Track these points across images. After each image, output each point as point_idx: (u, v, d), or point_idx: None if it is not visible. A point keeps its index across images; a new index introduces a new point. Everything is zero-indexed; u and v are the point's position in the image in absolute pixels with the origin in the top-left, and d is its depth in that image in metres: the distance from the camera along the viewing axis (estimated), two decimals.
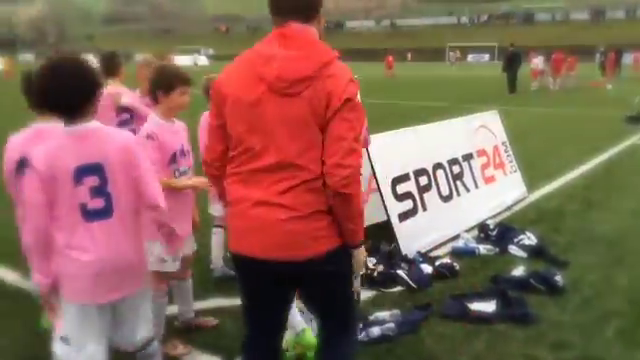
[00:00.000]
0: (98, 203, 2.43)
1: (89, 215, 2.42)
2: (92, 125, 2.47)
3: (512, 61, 23.52)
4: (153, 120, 3.37)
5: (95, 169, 2.42)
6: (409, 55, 68.79)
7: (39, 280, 2.47)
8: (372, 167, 5.03)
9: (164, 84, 3.35)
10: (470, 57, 74.03)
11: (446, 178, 5.86)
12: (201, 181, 3.39)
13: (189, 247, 3.59)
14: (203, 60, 72.25)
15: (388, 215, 5.05)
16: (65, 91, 2.38)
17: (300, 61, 2.18)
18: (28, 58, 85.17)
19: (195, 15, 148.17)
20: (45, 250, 2.43)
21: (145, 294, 2.69)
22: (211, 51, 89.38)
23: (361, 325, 3.79)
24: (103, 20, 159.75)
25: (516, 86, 23.35)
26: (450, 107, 17.03)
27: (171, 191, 3.19)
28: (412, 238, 5.13)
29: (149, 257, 3.20)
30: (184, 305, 3.86)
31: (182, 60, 66.42)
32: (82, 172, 2.40)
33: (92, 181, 2.42)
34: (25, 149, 2.69)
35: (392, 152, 5.27)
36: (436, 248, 5.30)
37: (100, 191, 2.43)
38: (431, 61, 68.78)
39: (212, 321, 3.95)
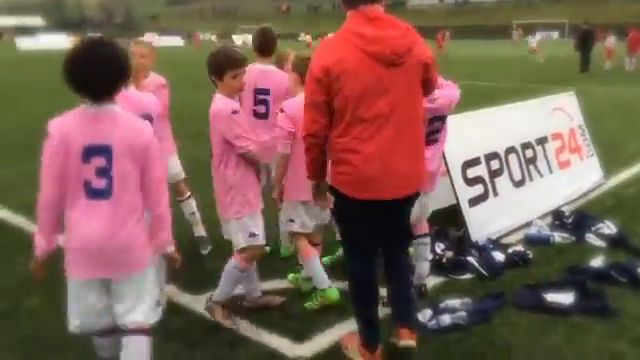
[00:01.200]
0: (101, 183, 2.53)
1: (91, 193, 2.54)
2: (110, 108, 2.56)
3: (586, 39, 22.37)
4: (222, 99, 3.48)
5: (103, 150, 2.51)
6: (447, 34, 66.48)
7: (37, 240, 2.66)
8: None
9: (215, 69, 3.47)
10: (538, 34, 70.98)
11: (518, 162, 5.62)
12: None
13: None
14: None
15: (458, 200, 4.90)
16: (92, 74, 2.50)
17: (402, 37, 2.84)
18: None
19: None
20: (51, 214, 2.59)
21: (142, 280, 2.70)
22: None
23: (431, 312, 3.71)
24: (167, 1, 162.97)
25: (589, 65, 22.23)
26: (519, 88, 16.40)
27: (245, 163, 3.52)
28: (482, 224, 4.96)
29: (239, 234, 3.53)
30: (250, 284, 3.89)
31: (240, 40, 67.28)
32: (91, 151, 2.50)
33: (99, 161, 2.51)
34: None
35: (462, 135, 5.08)
36: (507, 235, 5.12)
37: (104, 172, 2.52)
38: (496, 39, 66.44)
39: (278, 299, 3.96)
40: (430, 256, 4.17)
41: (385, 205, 2.99)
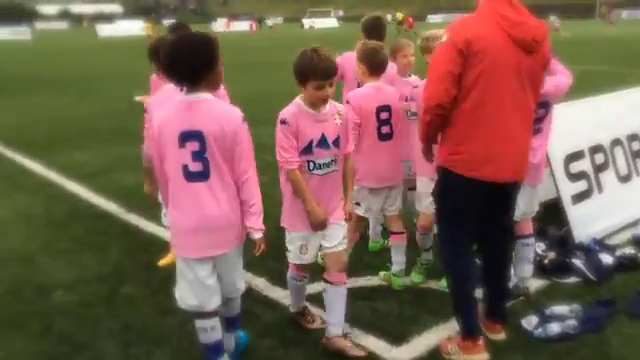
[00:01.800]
0: (198, 166, 2.71)
1: (190, 176, 2.72)
2: (202, 96, 2.73)
3: None
4: (294, 104, 3.14)
5: (196, 136, 2.68)
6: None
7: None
8: None
9: (297, 74, 3.06)
10: (625, 13, 66.85)
11: (624, 156, 5.20)
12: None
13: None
14: (331, 22, 72.09)
15: (560, 196, 4.59)
16: (184, 64, 2.68)
17: (540, 27, 2.98)
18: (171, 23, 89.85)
19: None
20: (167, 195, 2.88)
21: (239, 254, 2.95)
22: (341, 13, 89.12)
23: (537, 319, 3.48)
24: None
25: None
26: (610, 71, 15.42)
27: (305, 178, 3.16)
28: (586, 223, 4.62)
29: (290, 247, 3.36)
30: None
31: (317, 22, 66.97)
32: (185, 137, 2.69)
33: (193, 146, 2.69)
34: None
35: (565, 127, 4.73)
36: (613, 235, 4.75)
37: (200, 156, 2.70)
38: (579, 19, 62.98)
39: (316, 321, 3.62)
40: (532, 258, 3.92)
41: (494, 188, 3.03)
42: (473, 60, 2.87)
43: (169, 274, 4.19)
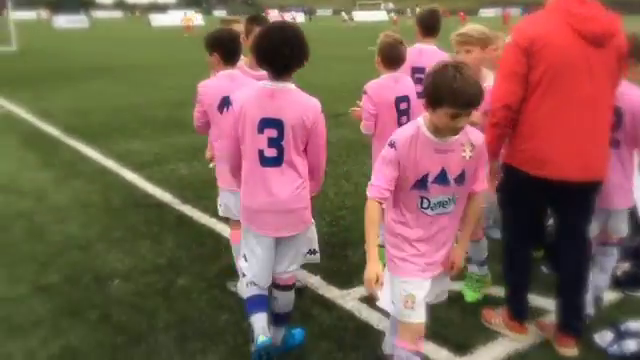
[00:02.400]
0: (272, 152, 2.80)
1: (264, 161, 2.82)
2: (286, 86, 2.80)
3: None
4: (413, 126, 2.57)
5: (275, 124, 2.76)
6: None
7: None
8: None
9: (430, 94, 2.42)
10: None
11: None
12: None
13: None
14: (381, 15, 71.19)
15: (636, 203, 4.30)
16: (279, 53, 2.73)
17: (612, 21, 2.92)
18: (221, 14, 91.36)
19: None
20: (238, 173, 2.99)
21: (305, 236, 3.04)
22: (391, 5, 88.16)
23: (612, 335, 3.26)
24: None
25: None
26: None
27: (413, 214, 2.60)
28: None
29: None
30: None
31: (363, 15, 66.20)
32: (265, 124, 2.77)
33: (271, 133, 2.77)
34: (227, 90, 3.36)
35: None
36: None
37: (276, 143, 2.78)
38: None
39: None
40: (611, 269, 3.68)
41: (563, 188, 2.98)
42: (536, 58, 2.87)
43: (225, 267, 4.19)
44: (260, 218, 2.91)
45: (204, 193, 5.78)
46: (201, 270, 4.26)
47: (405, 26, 32.83)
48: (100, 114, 10.67)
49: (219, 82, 3.60)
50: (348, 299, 3.80)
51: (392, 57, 3.88)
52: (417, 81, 4.53)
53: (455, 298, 3.79)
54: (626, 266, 4.00)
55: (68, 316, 3.67)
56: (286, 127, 2.76)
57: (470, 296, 3.82)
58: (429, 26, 4.62)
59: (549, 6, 3.00)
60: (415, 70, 4.53)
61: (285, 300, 3.14)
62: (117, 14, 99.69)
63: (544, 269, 4.05)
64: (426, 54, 4.51)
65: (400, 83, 3.95)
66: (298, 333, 3.34)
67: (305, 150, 2.87)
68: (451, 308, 3.65)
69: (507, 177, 3.17)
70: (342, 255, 4.48)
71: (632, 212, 4.29)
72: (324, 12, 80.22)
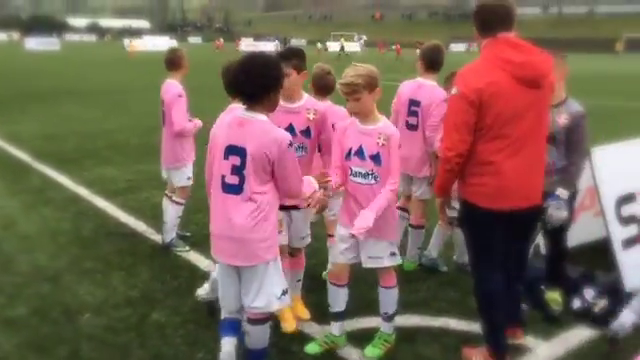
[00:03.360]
0: (234, 180, 2.86)
1: (225, 187, 2.89)
2: (254, 117, 2.88)
3: None
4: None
5: (239, 152, 2.84)
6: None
7: None
8: (595, 184, 4.38)
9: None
10: None
11: None
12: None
13: None
14: (354, 47, 72.11)
15: (611, 240, 4.36)
16: (238, 83, 2.87)
17: (545, 61, 3.12)
18: (196, 41, 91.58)
19: (352, 1, 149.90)
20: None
21: (266, 272, 2.96)
22: (364, 38, 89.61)
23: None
24: (265, 6, 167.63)
25: None
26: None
27: None
28: (637, 269, 4.39)
29: None
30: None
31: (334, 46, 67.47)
32: (230, 150, 2.86)
33: (235, 160, 2.85)
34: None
35: (619, 168, 4.55)
36: None
37: (238, 171, 2.85)
38: (598, 52, 62.39)
39: None
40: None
41: (515, 217, 3.17)
42: (485, 107, 3.03)
43: (200, 302, 4.07)
44: (218, 244, 2.99)
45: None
46: (176, 304, 4.14)
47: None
48: (72, 139, 10.45)
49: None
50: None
51: (321, 85, 4.27)
52: (412, 114, 4.68)
53: (437, 335, 3.77)
54: (603, 303, 4.02)
55: (35, 352, 3.51)
56: (248, 156, 2.83)
57: (370, 351, 3.51)
58: (432, 61, 4.64)
59: (486, 54, 3.12)
60: (412, 103, 4.66)
61: (255, 335, 3.09)
62: (91, 38, 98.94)
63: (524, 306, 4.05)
64: (424, 88, 4.61)
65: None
66: None
67: (273, 180, 2.93)
68: (432, 345, 3.62)
69: (466, 213, 3.31)
70: (322, 288, 4.40)
71: (608, 250, 4.37)
72: (299, 42, 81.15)
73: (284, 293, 3.04)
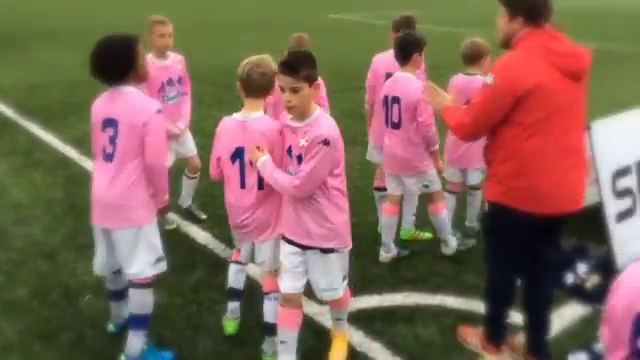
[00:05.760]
0: (110, 149, 3.09)
1: (105, 156, 3.11)
2: (125, 89, 3.12)
3: None
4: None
5: (112, 123, 3.06)
6: None
7: None
8: (593, 156, 4.37)
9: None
10: None
11: None
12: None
13: None
14: None
15: (606, 214, 4.41)
16: (99, 62, 3.08)
17: (587, 54, 2.97)
18: None
19: None
20: None
21: (138, 237, 3.14)
22: None
23: (587, 357, 3.37)
24: None
25: None
26: (630, 53, 14.94)
27: None
28: (627, 243, 4.47)
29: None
30: None
31: None
32: (105, 123, 3.09)
33: (110, 132, 3.08)
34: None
35: (616, 141, 4.53)
36: None
37: (112, 141, 3.07)
38: None
39: None
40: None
41: (550, 221, 3.06)
42: (525, 102, 2.87)
43: (202, 278, 4.10)
44: (95, 208, 3.20)
45: (176, 190, 5.61)
46: (177, 283, 4.16)
47: None
48: (56, 91, 10.14)
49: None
50: (329, 316, 3.76)
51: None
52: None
53: (435, 314, 3.85)
54: (595, 279, 4.11)
55: (39, 339, 3.55)
56: (120, 127, 3.04)
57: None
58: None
59: (524, 44, 2.94)
60: (389, 76, 4.54)
61: (134, 299, 3.26)
62: None
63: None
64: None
65: None
66: (167, 356, 3.38)
67: (143, 149, 3.08)
68: (431, 327, 3.70)
69: (498, 216, 3.16)
70: None
71: (601, 222, 4.43)
72: None
73: (159, 260, 3.25)
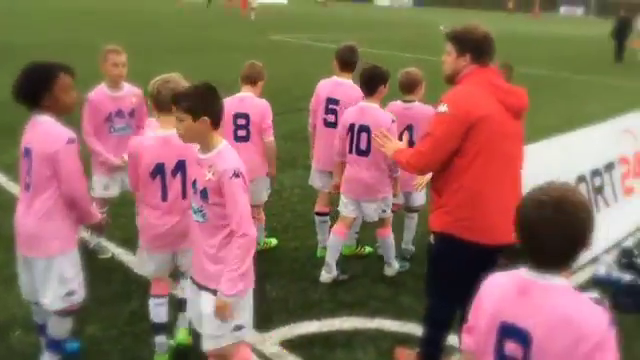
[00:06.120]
0: (27, 179, 3.14)
1: (25, 185, 3.17)
2: (38, 118, 3.12)
3: (623, 27, 21.68)
4: None
5: (27, 153, 3.11)
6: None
7: None
8: (525, 182, 4.62)
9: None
10: (563, 10, 68.93)
11: (587, 193, 5.37)
12: None
13: None
14: None
15: None
16: (15, 87, 3.11)
17: (525, 95, 3.18)
18: None
19: None
20: None
21: (51, 267, 3.16)
22: None
23: None
24: None
25: (623, 55, 21.58)
26: (547, 76, 15.82)
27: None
28: None
29: None
30: None
31: None
32: (24, 153, 3.14)
33: (26, 162, 3.12)
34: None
35: (539, 163, 4.81)
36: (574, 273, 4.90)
37: (28, 170, 3.11)
38: (487, 10, 57.71)
39: None
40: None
41: (492, 250, 3.06)
42: (475, 131, 3.01)
43: (136, 309, 4.02)
44: (16, 236, 3.23)
45: (114, 218, 5.48)
46: (111, 314, 4.06)
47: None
48: None
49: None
50: (269, 344, 3.79)
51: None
52: (330, 111, 4.77)
53: (373, 338, 3.93)
54: None
55: None
56: (33, 156, 3.08)
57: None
58: (346, 61, 4.86)
59: (471, 80, 3.11)
60: (330, 101, 4.83)
61: (51, 323, 3.33)
62: None
63: None
64: (342, 87, 4.82)
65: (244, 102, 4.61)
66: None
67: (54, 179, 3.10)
68: (369, 351, 3.78)
69: (444, 245, 3.21)
70: (259, 289, 4.44)
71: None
72: None
73: (69, 294, 3.23)
